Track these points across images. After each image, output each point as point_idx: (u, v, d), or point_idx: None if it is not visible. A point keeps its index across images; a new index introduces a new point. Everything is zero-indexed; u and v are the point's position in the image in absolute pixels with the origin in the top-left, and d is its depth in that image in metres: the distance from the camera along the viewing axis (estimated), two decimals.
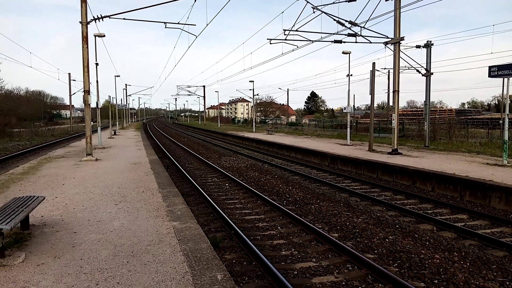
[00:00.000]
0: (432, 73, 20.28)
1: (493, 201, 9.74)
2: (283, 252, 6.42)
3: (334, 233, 7.45)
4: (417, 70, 19.89)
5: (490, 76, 13.25)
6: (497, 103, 74.46)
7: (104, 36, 22.73)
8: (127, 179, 10.31)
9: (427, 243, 6.75)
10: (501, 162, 13.26)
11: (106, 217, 6.54)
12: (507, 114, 12.85)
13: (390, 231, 7.36)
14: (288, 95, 63.71)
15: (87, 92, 14.58)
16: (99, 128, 22.42)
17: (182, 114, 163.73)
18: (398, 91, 16.92)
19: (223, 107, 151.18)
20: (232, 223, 7.57)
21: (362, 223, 7.86)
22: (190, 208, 7.48)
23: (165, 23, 16.32)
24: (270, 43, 18.69)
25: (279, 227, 7.84)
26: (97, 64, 23.14)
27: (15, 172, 11.68)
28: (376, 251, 6.40)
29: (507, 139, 13.06)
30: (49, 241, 5.29)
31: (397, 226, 7.73)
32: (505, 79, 12.76)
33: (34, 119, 51.21)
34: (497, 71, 13.03)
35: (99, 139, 21.56)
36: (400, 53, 17.04)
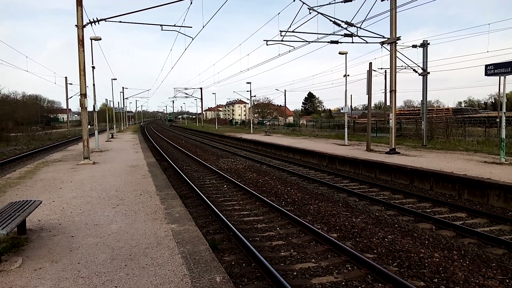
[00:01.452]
0: (428, 73, 20.33)
1: (492, 199, 9.75)
2: (282, 253, 6.40)
3: (333, 233, 7.43)
4: (414, 70, 19.93)
5: (486, 74, 13.29)
6: (493, 101, 74.73)
7: (100, 39, 22.68)
8: (125, 182, 10.27)
9: (426, 242, 6.74)
10: (499, 160, 13.30)
11: (104, 220, 6.50)
12: (504, 112, 12.88)
13: (389, 231, 7.35)
14: (285, 96, 63.93)
15: (83, 95, 14.53)
16: (96, 132, 22.34)
17: (180, 117, 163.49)
18: (395, 90, 16.95)
19: (220, 109, 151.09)
20: (230, 225, 7.54)
21: (361, 223, 7.85)
22: (188, 210, 7.45)
23: (161, 25, 16.33)
24: (267, 44, 18.68)
25: (278, 228, 7.81)
26: (93, 67, 23.07)
27: (12, 176, 11.62)
28: (375, 251, 6.39)
29: (504, 137, 13.10)
30: (46, 245, 5.25)
31: (396, 225, 7.73)
32: (501, 78, 12.79)
33: (31, 123, 50.97)
34: (493, 69, 13.07)
35: (96, 142, 21.49)
36: (397, 52, 17.08)
